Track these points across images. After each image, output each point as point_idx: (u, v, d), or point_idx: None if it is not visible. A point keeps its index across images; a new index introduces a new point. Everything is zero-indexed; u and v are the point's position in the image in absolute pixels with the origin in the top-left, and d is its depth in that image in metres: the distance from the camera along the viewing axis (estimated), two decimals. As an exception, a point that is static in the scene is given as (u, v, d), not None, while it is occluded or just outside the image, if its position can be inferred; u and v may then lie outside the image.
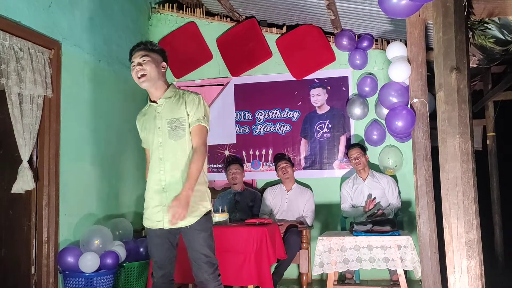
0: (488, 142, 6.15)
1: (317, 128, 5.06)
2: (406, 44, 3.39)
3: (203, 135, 2.56)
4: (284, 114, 5.16)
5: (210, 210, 2.64)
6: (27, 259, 3.57)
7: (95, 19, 4.37)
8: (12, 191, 3.37)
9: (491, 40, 2.99)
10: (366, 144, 4.79)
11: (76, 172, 3.98)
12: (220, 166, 5.22)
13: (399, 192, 4.47)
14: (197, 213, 2.55)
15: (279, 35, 5.13)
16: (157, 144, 2.57)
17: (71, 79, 3.96)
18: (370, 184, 4.44)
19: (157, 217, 2.56)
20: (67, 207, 3.83)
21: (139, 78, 2.52)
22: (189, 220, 2.52)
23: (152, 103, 2.64)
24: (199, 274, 2.54)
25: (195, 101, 2.58)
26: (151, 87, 2.58)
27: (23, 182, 3.41)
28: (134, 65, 2.54)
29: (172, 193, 2.50)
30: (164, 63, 2.62)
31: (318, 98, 5.07)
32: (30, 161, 3.50)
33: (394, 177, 4.68)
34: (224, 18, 5.34)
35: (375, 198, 4.29)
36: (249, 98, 5.23)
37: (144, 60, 2.52)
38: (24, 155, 3.44)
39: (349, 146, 4.67)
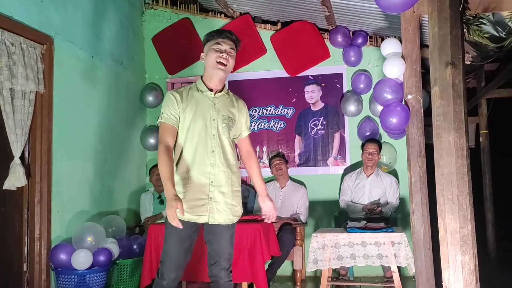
0: (481, 139, 6.18)
1: (312, 125, 5.06)
2: (400, 41, 3.39)
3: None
4: (278, 111, 5.15)
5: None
6: (19, 256, 3.54)
7: (88, 14, 4.33)
8: (3, 188, 3.34)
9: (486, 35, 3.00)
10: (359, 141, 4.79)
11: (68, 169, 3.95)
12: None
13: (399, 193, 4.47)
14: (237, 214, 2.54)
15: (274, 31, 5.12)
16: (210, 136, 2.45)
17: (63, 75, 3.92)
18: (373, 182, 4.42)
19: (202, 210, 2.41)
20: (59, 204, 3.80)
21: (219, 63, 2.43)
22: (231, 219, 2.49)
23: (207, 92, 2.49)
24: (215, 269, 2.47)
25: (246, 109, 2.65)
26: (220, 79, 2.50)
27: (15, 179, 3.38)
28: (220, 48, 2.44)
29: (217, 188, 2.44)
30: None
31: (313, 95, 5.07)
32: (22, 158, 3.47)
33: (395, 173, 4.67)
34: (219, 14, 5.31)
35: (380, 207, 4.23)
36: (243, 94, 5.17)
37: (231, 52, 2.47)
38: (16, 151, 3.41)
39: (368, 139, 4.57)
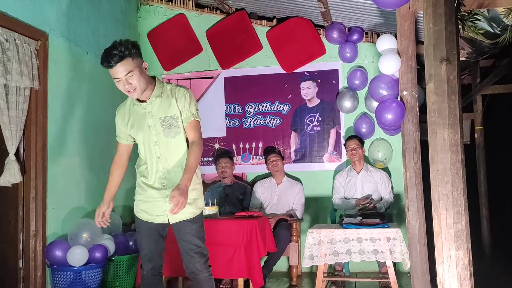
0: (476, 135, 6.20)
1: (307, 121, 5.06)
2: (396, 37, 3.39)
3: (199, 129, 2.55)
4: (274, 107, 5.15)
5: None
6: (14, 253, 3.53)
7: (82, 10, 4.31)
8: (-2, 184, 3.32)
9: (481, 31, 3.00)
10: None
11: (63, 165, 3.94)
12: (210, 159, 5.20)
13: (392, 187, 4.49)
14: (195, 211, 2.57)
15: (269, 27, 5.11)
16: (153, 143, 2.53)
17: (58, 71, 3.90)
18: (364, 177, 4.45)
19: (158, 211, 2.54)
20: (54, 201, 3.79)
21: (128, 92, 2.43)
22: (191, 213, 2.54)
23: (139, 104, 2.54)
24: (190, 265, 2.54)
25: (186, 96, 2.53)
26: (140, 95, 2.48)
27: (10, 175, 3.36)
28: (119, 81, 2.38)
29: (170, 190, 2.45)
30: (145, 63, 2.47)
31: (308, 91, 5.07)
32: (17, 154, 3.46)
33: (387, 170, 4.70)
34: (214, 10, 5.30)
35: (371, 198, 4.27)
36: (239, 91, 5.21)
37: (129, 76, 2.35)
38: (11, 147, 3.39)
39: (347, 136, 4.64)
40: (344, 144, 4.64)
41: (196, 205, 2.57)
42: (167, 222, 2.55)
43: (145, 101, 2.53)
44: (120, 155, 2.72)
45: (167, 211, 2.48)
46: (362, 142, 4.54)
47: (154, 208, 2.55)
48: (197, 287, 2.57)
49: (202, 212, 2.64)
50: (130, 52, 2.35)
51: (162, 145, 2.53)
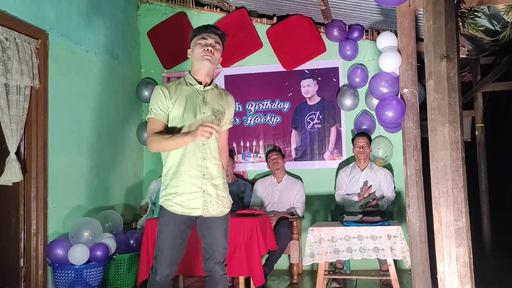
0: (477, 133, 6.19)
1: (308, 119, 5.06)
2: (396, 35, 3.39)
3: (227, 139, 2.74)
4: (274, 105, 5.15)
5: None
6: (16, 252, 3.54)
7: (82, 9, 4.31)
8: (-1, 183, 3.33)
9: (481, 28, 3.00)
10: (354, 135, 4.80)
11: (64, 164, 3.94)
12: (211, 157, 5.20)
13: (394, 186, 4.49)
14: (228, 205, 2.55)
15: (270, 25, 5.10)
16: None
17: (58, 70, 3.90)
18: (367, 175, 4.44)
19: (195, 203, 2.41)
20: (56, 199, 3.79)
21: (205, 55, 2.45)
22: (224, 211, 2.50)
23: (196, 85, 2.50)
24: (211, 263, 2.48)
25: (233, 105, 2.68)
26: (208, 71, 2.51)
27: (11, 174, 3.37)
28: (205, 43, 2.47)
29: (209, 180, 2.45)
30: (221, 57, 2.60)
31: (309, 89, 5.07)
32: (17, 153, 3.46)
33: (389, 167, 4.69)
34: (214, 8, 5.29)
35: (371, 186, 4.28)
36: (239, 89, 5.21)
37: (217, 46, 2.49)
38: (12, 146, 3.40)
39: (357, 133, 4.61)
40: (352, 140, 4.56)
41: (226, 202, 2.54)
42: (203, 216, 2.43)
43: (201, 83, 2.52)
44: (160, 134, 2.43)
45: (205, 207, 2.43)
46: (370, 141, 4.52)
47: (191, 200, 2.41)
48: (211, 285, 2.52)
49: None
50: (224, 36, 2.57)
51: None
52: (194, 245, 2.82)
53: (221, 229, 2.49)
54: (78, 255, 3.47)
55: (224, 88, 5.19)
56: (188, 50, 2.57)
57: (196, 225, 2.52)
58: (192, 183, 2.41)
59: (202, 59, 2.46)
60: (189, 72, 2.56)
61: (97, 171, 4.39)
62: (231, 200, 2.59)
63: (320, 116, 5.03)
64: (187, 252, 2.54)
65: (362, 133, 4.54)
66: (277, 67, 5.10)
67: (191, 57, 2.54)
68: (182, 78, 2.57)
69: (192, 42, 2.53)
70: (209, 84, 2.54)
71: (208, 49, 2.45)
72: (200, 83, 2.51)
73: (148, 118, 2.46)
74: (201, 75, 2.51)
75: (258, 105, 5.18)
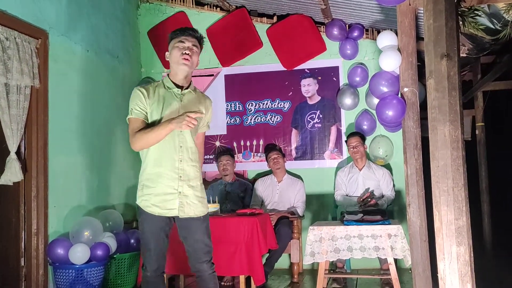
0: (477, 132, 6.19)
1: (308, 119, 5.06)
2: (396, 34, 3.38)
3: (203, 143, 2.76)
4: (275, 105, 5.15)
5: None
6: (16, 252, 3.54)
7: (82, 8, 4.31)
8: (-1, 183, 3.33)
9: (481, 27, 3.00)
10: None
11: (65, 164, 3.94)
12: (211, 157, 5.21)
13: (394, 185, 4.49)
14: (206, 206, 2.59)
15: (270, 25, 5.10)
16: (178, 132, 2.48)
17: (58, 69, 3.90)
18: (366, 174, 4.44)
19: (171, 205, 2.47)
20: (56, 199, 3.79)
21: (183, 59, 2.48)
22: (201, 211, 2.53)
23: (174, 88, 2.54)
24: (197, 264, 2.53)
25: (211, 108, 2.69)
26: (185, 74, 2.54)
27: (11, 174, 3.37)
28: (183, 46, 2.50)
29: (185, 182, 2.49)
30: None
31: (309, 88, 5.07)
32: (18, 152, 3.46)
33: (389, 167, 4.69)
34: (214, 7, 5.29)
35: (372, 191, 4.28)
36: (239, 88, 5.21)
37: (193, 49, 2.52)
38: (12, 146, 3.40)
39: (349, 134, 4.62)
40: (346, 141, 4.61)
41: (205, 203, 2.60)
42: (179, 216, 2.49)
43: (179, 87, 2.56)
44: (138, 133, 2.46)
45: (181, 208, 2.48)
46: (363, 139, 4.53)
47: (167, 201, 2.47)
48: (202, 285, 2.56)
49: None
50: (202, 39, 2.61)
51: (186, 136, 2.52)
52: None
53: (201, 228, 2.53)
54: (79, 254, 3.47)
55: (224, 88, 5.25)
56: (166, 53, 2.61)
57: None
58: (168, 185, 2.47)
59: (179, 64, 2.50)
60: (168, 74, 2.61)
61: (98, 170, 4.39)
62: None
63: (321, 116, 5.03)
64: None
65: (353, 133, 4.57)
66: (277, 66, 5.10)
67: (169, 60, 2.58)
68: (160, 81, 2.62)
69: (170, 45, 2.57)
70: (188, 87, 2.58)
71: (185, 53, 2.49)
72: (178, 86, 2.56)
73: (128, 118, 2.51)
74: (179, 78, 2.56)
75: (258, 104, 5.18)
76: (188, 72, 2.54)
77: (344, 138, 4.95)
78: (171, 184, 2.47)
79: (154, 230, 2.49)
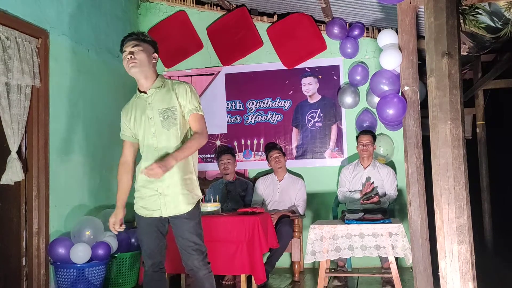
0: (478, 130, 6.19)
1: (309, 117, 5.06)
2: (397, 32, 3.38)
3: (203, 122, 2.64)
4: (275, 104, 5.15)
5: (199, 199, 2.68)
6: (18, 251, 3.54)
7: (83, 8, 4.30)
8: (1, 182, 3.33)
9: (482, 25, 2.99)
10: (356, 133, 4.79)
11: (66, 163, 3.95)
12: (212, 156, 5.21)
13: (397, 185, 4.48)
14: (191, 201, 2.58)
15: (270, 23, 5.10)
16: (151, 135, 2.56)
17: (59, 69, 3.90)
18: (370, 173, 4.42)
19: (155, 206, 2.57)
20: (57, 198, 3.80)
21: (129, 64, 2.51)
22: (185, 208, 2.54)
23: (141, 94, 2.61)
24: (188, 262, 2.56)
25: (187, 90, 2.59)
26: (141, 75, 2.55)
27: (12, 173, 3.37)
28: (125, 54, 2.53)
29: (164, 182, 2.53)
30: (155, 54, 2.63)
31: (310, 87, 5.07)
32: (19, 152, 3.46)
33: (392, 165, 4.68)
34: (214, 6, 5.29)
35: (373, 182, 4.27)
36: (240, 87, 5.21)
37: (135, 49, 2.52)
38: (13, 145, 3.40)
39: (361, 130, 4.57)
40: (357, 137, 4.53)
41: (190, 198, 2.57)
42: (162, 216, 2.56)
43: (146, 93, 2.60)
44: (125, 156, 2.73)
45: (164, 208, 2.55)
46: (374, 139, 4.48)
47: (151, 203, 2.57)
48: (197, 285, 2.59)
49: (199, 209, 2.66)
50: (144, 38, 2.59)
51: (159, 136, 2.55)
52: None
53: (186, 226, 2.56)
54: (80, 253, 3.48)
55: (225, 87, 5.24)
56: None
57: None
58: (149, 187, 2.58)
59: (129, 71, 2.55)
60: None
61: (99, 170, 4.39)
62: (198, 193, 2.64)
63: (321, 114, 5.03)
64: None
65: (366, 131, 4.50)
66: (278, 65, 5.09)
67: None
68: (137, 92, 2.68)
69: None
70: (157, 85, 2.60)
71: (128, 58, 2.52)
72: (144, 92, 2.60)
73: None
74: (141, 83, 2.61)
75: (259, 103, 5.18)
76: (140, 72, 2.55)
77: (345, 137, 4.95)
78: (151, 186, 2.57)
79: (145, 230, 2.63)
